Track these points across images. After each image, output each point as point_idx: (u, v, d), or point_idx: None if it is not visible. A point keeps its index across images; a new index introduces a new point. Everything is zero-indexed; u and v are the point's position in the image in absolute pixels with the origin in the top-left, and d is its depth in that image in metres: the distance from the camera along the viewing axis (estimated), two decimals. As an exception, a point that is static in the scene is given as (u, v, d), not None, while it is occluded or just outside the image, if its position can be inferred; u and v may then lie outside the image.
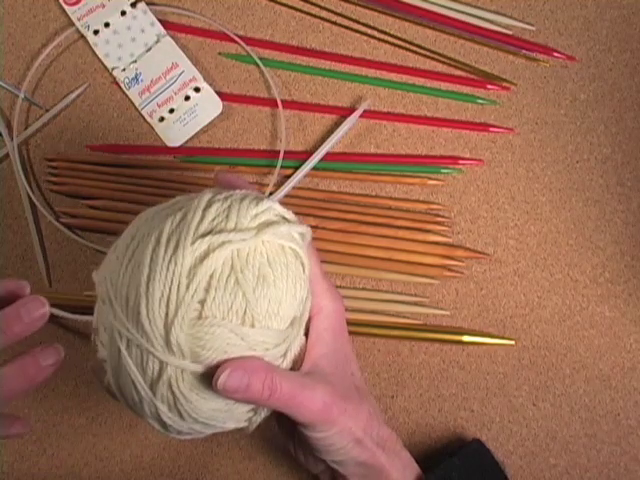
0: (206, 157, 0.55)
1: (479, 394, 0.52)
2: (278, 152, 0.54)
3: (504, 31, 0.56)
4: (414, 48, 0.56)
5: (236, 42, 0.56)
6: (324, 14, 0.57)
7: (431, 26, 0.56)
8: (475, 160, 0.54)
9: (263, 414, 0.39)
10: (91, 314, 0.38)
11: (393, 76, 0.56)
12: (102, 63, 0.56)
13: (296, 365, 0.39)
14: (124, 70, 0.56)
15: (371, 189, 0.54)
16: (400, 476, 0.42)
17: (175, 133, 0.55)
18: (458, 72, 0.56)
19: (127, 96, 0.56)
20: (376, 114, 0.55)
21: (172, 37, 0.56)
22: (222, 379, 0.35)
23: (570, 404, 0.51)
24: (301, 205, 0.54)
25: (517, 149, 0.55)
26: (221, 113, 0.55)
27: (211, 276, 0.35)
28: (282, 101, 0.55)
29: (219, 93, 0.56)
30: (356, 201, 0.54)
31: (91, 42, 0.56)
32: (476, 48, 0.56)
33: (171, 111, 0.55)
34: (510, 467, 0.50)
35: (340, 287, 0.53)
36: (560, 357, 0.52)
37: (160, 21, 0.56)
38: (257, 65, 0.56)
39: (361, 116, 0.55)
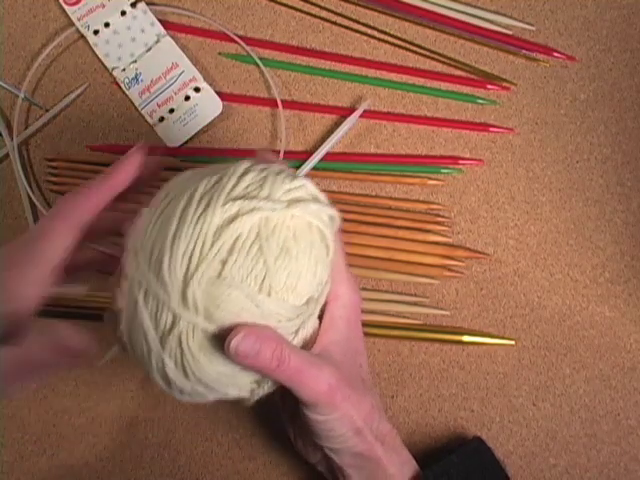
0: (206, 157, 0.55)
1: (479, 394, 0.52)
2: (278, 152, 0.54)
3: (504, 31, 0.56)
4: (414, 48, 0.56)
5: (236, 42, 0.56)
6: (324, 14, 0.57)
7: (431, 26, 0.56)
8: (475, 160, 0.54)
9: (266, 387, 0.39)
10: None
11: (393, 76, 0.56)
12: (102, 63, 0.56)
13: (307, 346, 0.40)
14: (124, 70, 0.56)
15: (371, 189, 0.54)
16: (397, 472, 0.42)
17: (175, 133, 0.55)
18: (458, 72, 0.56)
19: (127, 96, 0.56)
20: (376, 114, 0.55)
21: (172, 37, 0.56)
22: (235, 342, 0.35)
23: (570, 404, 0.51)
24: (301, 205, 0.54)
25: (517, 149, 0.55)
26: (221, 113, 0.55)
27: (236, 239, 0.36)
28: (282, 101, 0.55)
29: (219, 93, 0.56)
30: (356, 201, 0.54)
31: (91, 42, 0.56)
32: (476, 48, 0.56)
33: (171, 111, 0.55)
34: (510, 467, 0.50)
35: (340, 287, 0.53)
36: (560, 357, 0.52)
37: (160, 21, 0.56)
38: (257, 65, 0.56)
39: (361, 116, 0.55)
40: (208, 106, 0.55)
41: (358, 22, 0.57)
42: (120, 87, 0.56)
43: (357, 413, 0.40)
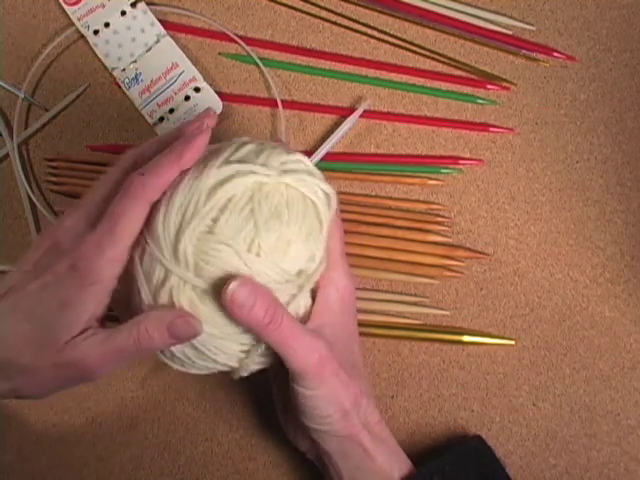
0: (206, 157, 0.55)
1: (479, 394, 0.52)
2: (278, 152, 0.54)
3: (504, 31, 0.56)
4: (414, 48, 0.56)
5: (236, 42, 0.56)
6: (324, 14, 0.57)
7: (431, 26, 0.56)
8: (475, 160, 0.54)
9: (256, 359, 0.39)
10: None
11: (393, 76, 0.56)
12: (102, 63, 0.56)
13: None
14: (124, 70, 0.56)
15: (371, 189, 0.54)
16: (385, 463, 0.42)
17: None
18: (458, 72, 0.56)
19: (127, 96, 0.56)
20: (376, 114, 0.55)
21: (172, 37, 0.56)
22: (231, 287, 0.35)
23: (570, 404, 0.51)
24: (301, 205, 0.54)
25: (517, 149, 0.55)
26: (221, 113, 0.55)
27: (229, 199, 0.37)
28: (282, 101, 0.55)
29: (219, 93, 0.56)
30: (356, 201, 0.54)
31: (91, 42, 0.56)
32: (476, 48, 0.56)
33: (171, 111, 0.55)
34: (510, 467, 0.50)
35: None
36: (560, 357, 0.52)
37: (160, 21, 0.56)
38: (257, 65, 0.56)
39: (361, 116, 0.55)
40: (208, 106, 0.55)
41: (358, 22, 0.57)
42: (120, 87, 0.56)
43: (345, 394, 0.40)
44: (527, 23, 0.56)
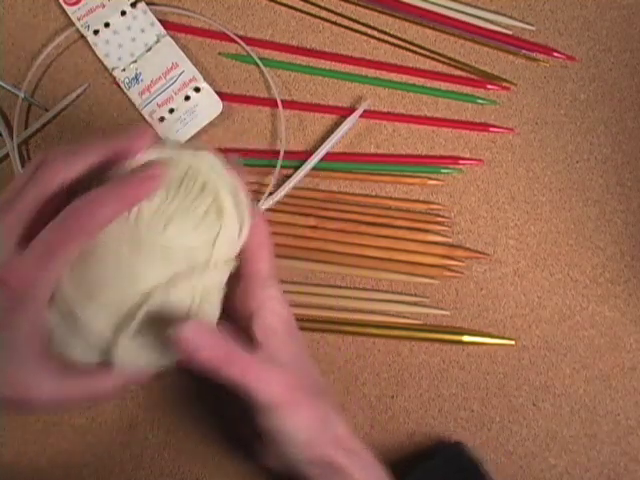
0: (206, 157, 0.55)
1: (479, 394, 0.52)
2: (278, 152, 0.54)
3: (504, 31, 0.56)
4: (414, 48, 0.56)
5: (236, 42, 0.56)
6: (324, 14, 0.57)
7: (431, 26, 0.56)
8: (475, 160, 0.54)
9: (127, 343, 0.37)
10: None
11: (393, 76, 0.56)
12: (102, 63, 0.56)
13: (213, 308, 0.39)
14: (124, 70, 0.56)
15: (371, 189, 0.54)
16: (363, 476, 0.40)
17: (175, 133, 0.55)
18: (458, 72, 0.56)
19: (127, 96, 0.56)
20: (376, 114, 0.55)
21: (172, 37, 0.56)
22: (180, 330, 0.34)
23: (570, 404, 0.51)
24: (301, 205, 0.54)
25: (517, 149, 0.55)
26: (221, 113, 0.55)
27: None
28: (282, 101, 0.55)
29: (219, 93, 0.56)
30: (356, 201, 0.54)
31: (91, 42, 0.56)
32: (476, 48, 0.56)
33: (171, 111, 0.55)
34: (510, 467, 0.50)
35: (340, 287, 0.53)
36: (560, 357, 0.52)
37: (160, 21, 0.56)
38: (257, 65, 0.56)
39: (361, 116, 0.55)
40: (208, 106, 0.55)
41: (358, 22, 0.57)
42: (120, 87, 0.56)
43: (313, 416, 0.39)
44: (527, 23, 0.56)
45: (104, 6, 0.56)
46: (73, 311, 0.36)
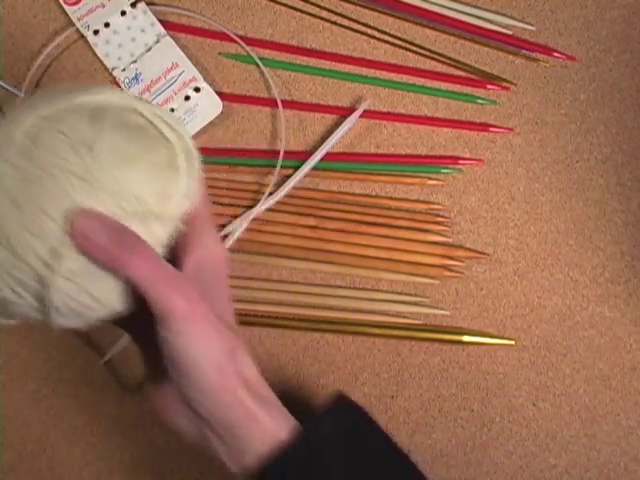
0: (206, 157, 0.55)
1: (479, 394, 0.52)
2: (278, 152, 0.54)
3: (504, 31, 0.56)
4: (414, 48, 0.56)
5: (236, 42, 0.56)
6: (324, 14, 0.57)
7: (431, 26, 0.56)
8: (475, 160, 0.54)
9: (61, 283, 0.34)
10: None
11: (393, 76, 0.56)
12: (102, 63, 0.56)
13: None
14: (124, 70, 0.56)
15: (371, 189, 0.54)
16: (270, 421, 0.37)
17: (175, 133, 0.55)
18: (458, 72, 0.56)
19: (127, 96, 0.56)
20: (376, 114, 0.55)
21: (172, 37, 0.56)
22: (76, 218, 0.33)
23: (570, 404, 0.51)
24: (301, 205, 0.54)
25: (517, 149, 0.55)
26: (221, 113, 0.55)
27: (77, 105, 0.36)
28: (282, 101, 0.55)
29: (219, 93, 0.56)
30: (356, 201, 0.54)
31: (91, 42, 0.56)
32: (476, 48, 0.56)
33: (171, 111, 0.55)
34: (510, 467, 0.50)
35: (340, 287, 0.53)
36: (560, 357, 0.52)
37: (160, 21, 0.56)
38: (257, 65, 0.56)
39: (361, 116, 0.55)
40: (208, 106, 0.55)
41: (358, 22, 0.57)
42: (120, 87, 0.56)
43: (218, 341, 0.36)
44: (527, 23, 0.56)
45: (104, 6, 0.56)
46: (9, 240, 0.34)
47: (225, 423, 0.37)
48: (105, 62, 0.56)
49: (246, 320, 0.53)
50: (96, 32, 0.56)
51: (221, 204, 0.54)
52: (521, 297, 0.53)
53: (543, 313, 0.52)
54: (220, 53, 0.57)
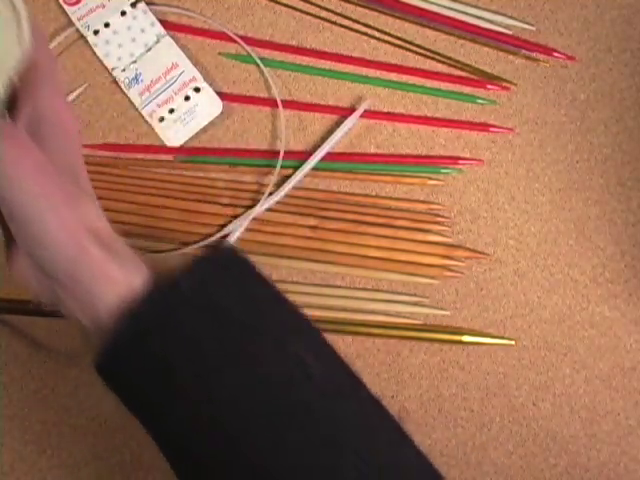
0: (206, 157, 0.55)
1: (479, 394, 0.52)
2: (278, 152, 0.54)
3: (504, 31, 0.56)
4: (414, 48, 0.56)
5: (236, 42, 0.56)
6: (324, 14, 0.57)
7: (431, 26, 0.56)
8: (475, 160, 0.54)
9: None
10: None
11: (393, 76, 0.56)
12: (102, 63, 0.56)
13: None
14: (124, 70, 0.56)
15: (371, 189, 0.54)
16: (120, 271, 0.34)
17: (175, 133, 0.55)
18: (458, 72, 0.56)
19: (127, 96, 0.56)
20: (376, 114, 0.55)
21: (172, 37, 0.56)
22: None
23: (570, 404, 0.51)
24: (301, 205, 0.54)
25: (517, 149, 0.55)
26: (221, 113, 0.55)
27: None
28: (282, 101, 0.55)
29: (219, 93, 0.56)
30: (356, 201, 0.54)
31: (91, 42, 0.56)
32: (476, 48, 0.56)
33: (171, 111, 0.55)
34: (510, 467, 0.50)
35: (340, 287, 0.53)
36: (560, 357, 0.52)
37: (160, 21, 0.56)
38: (257, 65, 0.56)
39: (361, 116, 0.55)
40: (208, 106, 0.55)
41: (358, 22, 0.57)
42: (120, 87, 0.56)
43: (52, 188, 0.33)
44: (527, 23, 0.56)
45: (104, 6, 0.56)
46: None
47: (72, 277, 0.34)
48: (105, 62, 0.56)
49: (246, 320, 0.53)
50: (96, 32, 0.56)
51: (221, 204, 0.54)
52: (521, 297, 0.53)
53: (543, 313, 0.52)
54: (220, 53, 0.57)
